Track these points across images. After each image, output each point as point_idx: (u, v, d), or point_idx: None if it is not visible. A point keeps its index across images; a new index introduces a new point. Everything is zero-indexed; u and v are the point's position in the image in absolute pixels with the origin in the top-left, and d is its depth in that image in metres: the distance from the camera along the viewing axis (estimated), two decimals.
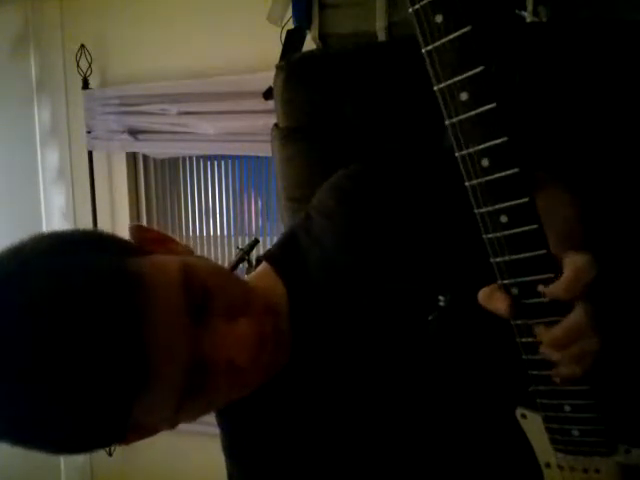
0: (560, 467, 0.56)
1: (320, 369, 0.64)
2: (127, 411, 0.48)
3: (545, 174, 0.57)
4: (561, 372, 0.49)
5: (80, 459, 2.61)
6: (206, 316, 0.51)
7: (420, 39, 0.44)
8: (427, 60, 0.44)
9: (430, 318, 0.57)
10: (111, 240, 0.55)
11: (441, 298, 0.57)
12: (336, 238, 0.65)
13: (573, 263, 0.45)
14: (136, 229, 0.58)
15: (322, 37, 1.36)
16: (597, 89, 0.80)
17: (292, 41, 1.35)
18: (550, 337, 0.48)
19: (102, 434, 0.50)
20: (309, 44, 1.36)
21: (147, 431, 0.56)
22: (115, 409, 0.47)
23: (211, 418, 0.69)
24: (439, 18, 0.42)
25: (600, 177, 0.70)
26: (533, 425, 0.56)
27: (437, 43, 0.43)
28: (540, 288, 0.47)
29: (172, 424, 0.56)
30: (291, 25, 1.41)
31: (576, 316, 0.46)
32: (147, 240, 0.57)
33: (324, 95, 0.97)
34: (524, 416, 0.56)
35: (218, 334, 0.52)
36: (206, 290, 0.52)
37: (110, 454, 2.43)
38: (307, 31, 1.37)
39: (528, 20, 1.09)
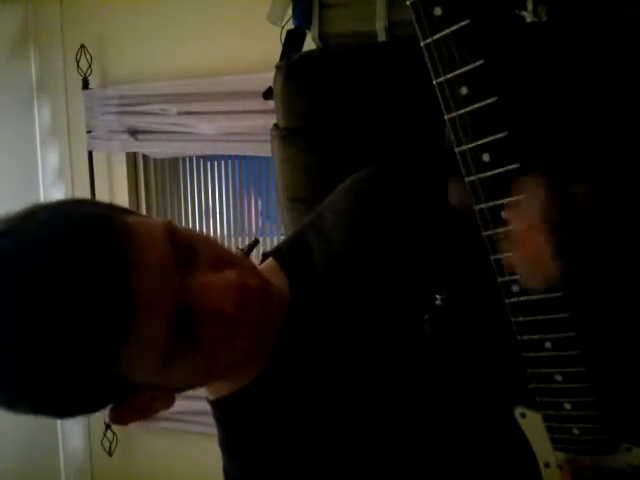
0: (559, 467, 0.56)
1: (318, 364, 0.64)
2: (114, 351, 0.47)
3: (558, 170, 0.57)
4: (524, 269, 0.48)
5: (80, 459, 2.61)
6: (193, 266, 0.52)
7: (419, 32, 0.44)
8: (426, 54, 0.44)
9: (426, 317, 0.57)
10: (95, 200, 0.58)
11: (438, 297, 0.57)
12: (344, 237, 0.66)
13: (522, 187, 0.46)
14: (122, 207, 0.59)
15: (322, 37, 1.36)
16: (597, 88, 0.80)
17: (292, 41, 1.35)
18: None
19: (91, 384, 0.50)
20: (309, 44, 1.36)
21: (143, 407, 0.56)
22: (102, 348, 0.47)
23: (211, 418, 0.69)
24: (438, 11, 0.42)
25: (603, 174, 0.70)
26: (532, 424, 0.56)
27: (436, 36, 0.43)
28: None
29: (169, 394, 0.57)
30: (291, 25, 1.40)
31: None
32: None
33: (324, 95, 0.97)
34: (523, 415, 0.56)
35: (203, 280, 0.52)
36: (191, 245, 0.53)
37: (110, 454, 2.43)
38: (307, 31, 1.37)
39: (528, 20, 1.09)
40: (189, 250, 0.53)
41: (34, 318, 0.45)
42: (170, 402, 0.58)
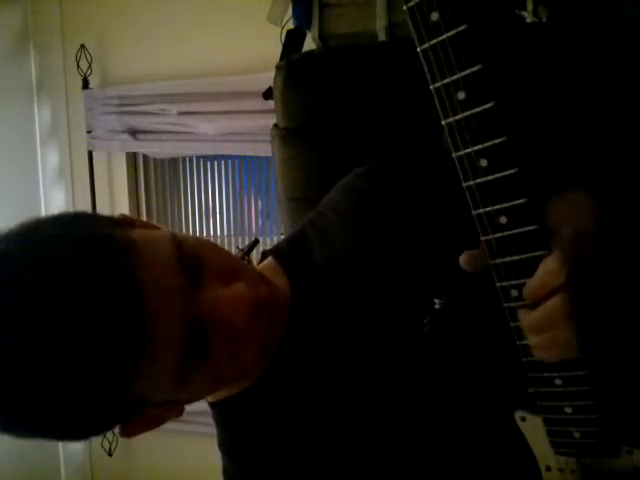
0: (561, 470, 0.56)
1: (318, 366, 0.64)
2: (129, 376, 0.47)
3: (561, 175, 0.57)
4: (538, 355, 0.49)
5: (80, 459, 2.61)
6: (200, 280, 0.52)
7: (415, 37, 0.43)
8: (422, 59, 0.44)
9: (425, 321, 0.57)
10: (96, 215, 0.56)
11: (436, 301, 0.57)
12: (344, 237, 0.66)
13: (542, 267, 0.45)
14: (122, 217, 0.58)
15: (322, 37, 1.36)
16: (598, 89, 0.80)
17: (292, 41, 1.35)
18: (527, 320, 0.48)
19: (106, 408, 0.49)
20: (309, 44, 1.36)
21: (154, 419, 0.55)
22: (117, 374, 0.46)
23: (211, 419, 0.69)
24: (435, 16, 0.42)
25: (604, 178, 0.70)
26: (533, 428, 0.55)
27: (433, 42, 0.43)
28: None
29: (179, 406, 0.56)
30: (291, 25, 1.40)
31: (549, 305, 0.46)
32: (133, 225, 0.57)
33: (324, 95, 0.97)
34: (524, 419, 0.56)
35: (214, 295, 0.51)
36: (197, 256, 0.52)
37: (110, 454, 2.43)
38: (307, 31, 1.36)
39: (528, 20, 1.08)
40: (196, 261, 0.52)
41: (47, 349, 0.44)
42: (179, 411, 0.58)
